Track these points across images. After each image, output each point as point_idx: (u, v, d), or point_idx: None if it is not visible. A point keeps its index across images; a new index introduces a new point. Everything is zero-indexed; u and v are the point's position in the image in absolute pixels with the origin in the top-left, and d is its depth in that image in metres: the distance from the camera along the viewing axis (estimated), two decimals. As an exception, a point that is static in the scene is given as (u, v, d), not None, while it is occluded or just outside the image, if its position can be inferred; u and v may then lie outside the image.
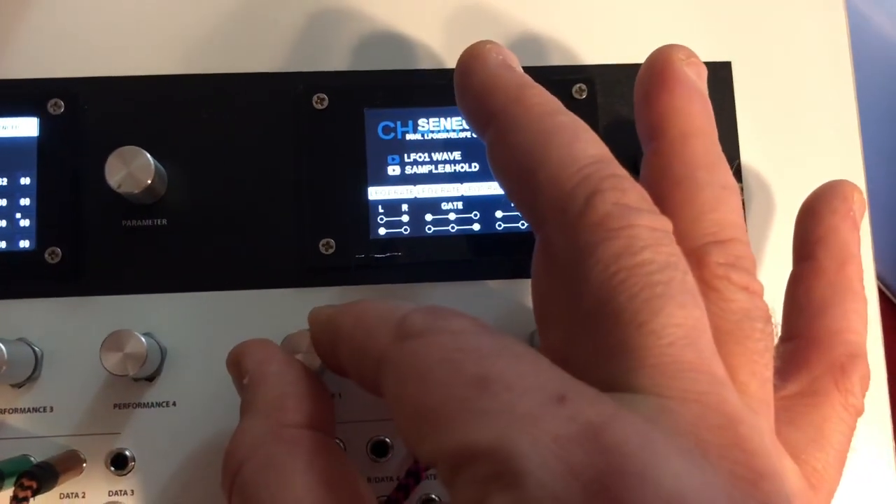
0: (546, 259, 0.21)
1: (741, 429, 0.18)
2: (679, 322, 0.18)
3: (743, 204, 0.29)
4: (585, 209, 0.20)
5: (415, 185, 0.30)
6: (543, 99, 0.23)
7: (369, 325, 0.21)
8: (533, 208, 0.22)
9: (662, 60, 0.24)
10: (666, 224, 0.20)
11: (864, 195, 0.31)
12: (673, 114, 0.23)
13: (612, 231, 0.19)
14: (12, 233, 0.29)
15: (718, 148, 0.23)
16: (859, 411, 0.24)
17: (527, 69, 0.30)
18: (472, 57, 0.24)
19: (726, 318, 0.21)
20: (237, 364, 0.25)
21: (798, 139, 0.32)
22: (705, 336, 0.19)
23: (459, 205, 0.30)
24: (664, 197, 0.22)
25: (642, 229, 0.19)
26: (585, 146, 0.21)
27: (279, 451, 0.21)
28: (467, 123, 0.25)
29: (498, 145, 0.23)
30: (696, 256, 0.21)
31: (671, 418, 0.17)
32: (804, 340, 0.25)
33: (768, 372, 0.21)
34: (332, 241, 0.30)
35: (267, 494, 0.20)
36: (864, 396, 0.25)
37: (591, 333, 0.19)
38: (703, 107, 0.24)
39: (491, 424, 0.17)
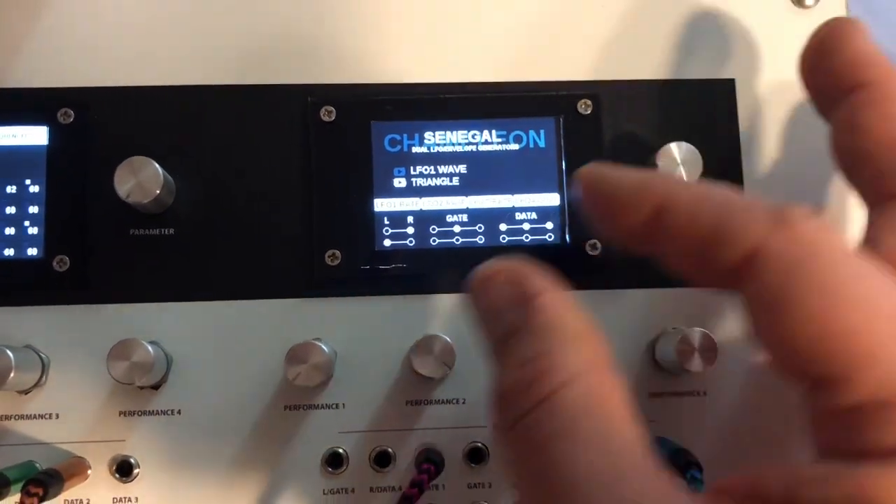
0: None
1: None
2: None
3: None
4: None
5: (420, 197, 0.30)
6: None
7: (723, 205, 0.19)
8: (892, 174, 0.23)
9: None
10: None
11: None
12: None
13: None
14: (20, 240, 0.29)
15: None
16: None
17: (534, 84, 0.31)
18: (847, 25, 0.25)
19: None
20: (517, 283, 0.21)
21: (800, 155, 0.32)
22: None
23: (464, 217, 0.30)
24: None
25: None
26: None
27: (605, 383, 0.19)
28: (824, 81, 0.26)
29: (869, 109, 0.24)
30: None
31: None
32: None
33: None
34: (337, 253, 0.30)
35: (590, 424, 0.18)
36: None
37: None
38: None
39: None
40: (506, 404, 0.20)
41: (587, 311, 0.30)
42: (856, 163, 0.24)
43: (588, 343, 0.20)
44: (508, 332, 0.21)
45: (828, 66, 0.25)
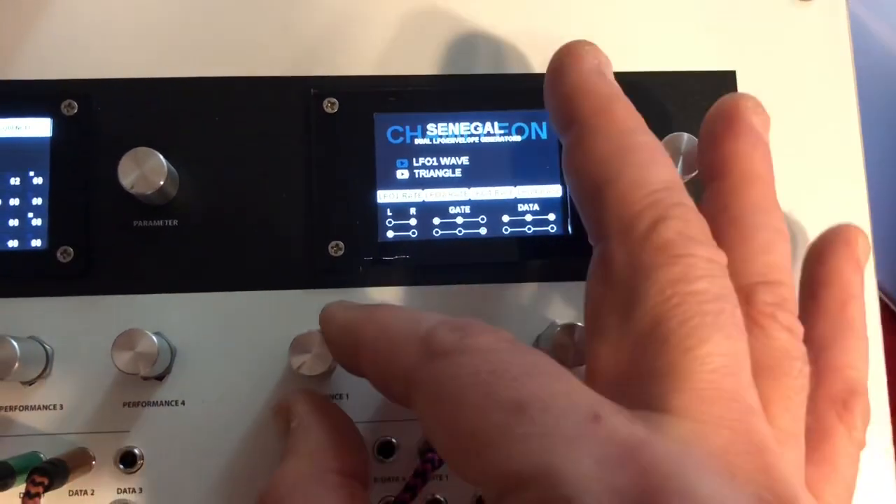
0: (603, 270, 0.22)
1: (767, 457, 0.18)
2: (724, 352, 0.19)
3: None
4: (650, 232, 0.21)
5: (423, 188, 0.31)
6: (628, 114, 0.23)
7: (394, 338, 0.22)
8: (596, 219, 0.23)
9: (732, 107, 0.25)
10: (722, 258, 0.21)
11: (866, 202, 0.32)
12: (737, 158, 0.25)
13: (672, 257, 0.20)
14: (24, 232, 0.29)
15: (775, 194, 0.25)
16: (862, 445, 0.25)
17: (536, 76, 0.31)
18: (568, 56, 0.25)
19: (768, 354, 0.22)
20: (286, 411, 0.26)
21: (800, 147, 0.32)
22: (745, 368, 0.20)
23: (467, 209, 0.31)
24: (721, 233, 0.23)
25: (701, 260, 0.20)
26: (659, 170, 0.22)
27: (320, 493, 0.22)
28: (550, 119, 0.25)
29: (575, 150, 0.24)
30: (746, 293, 0.22)
31: (703, 442, 0.18)
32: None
33: (802, 410, 0.22)
34: (340, 244, 0.30)
35: None
36: (865, 431, 0.25)
37: (640, 351, 0.20)
38: (764, 154, 0.25)
39: (533, 449, 0.17)
40: None
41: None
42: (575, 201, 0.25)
43: (316, 458, 0.23)
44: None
45: (550, 98, 0.25)
